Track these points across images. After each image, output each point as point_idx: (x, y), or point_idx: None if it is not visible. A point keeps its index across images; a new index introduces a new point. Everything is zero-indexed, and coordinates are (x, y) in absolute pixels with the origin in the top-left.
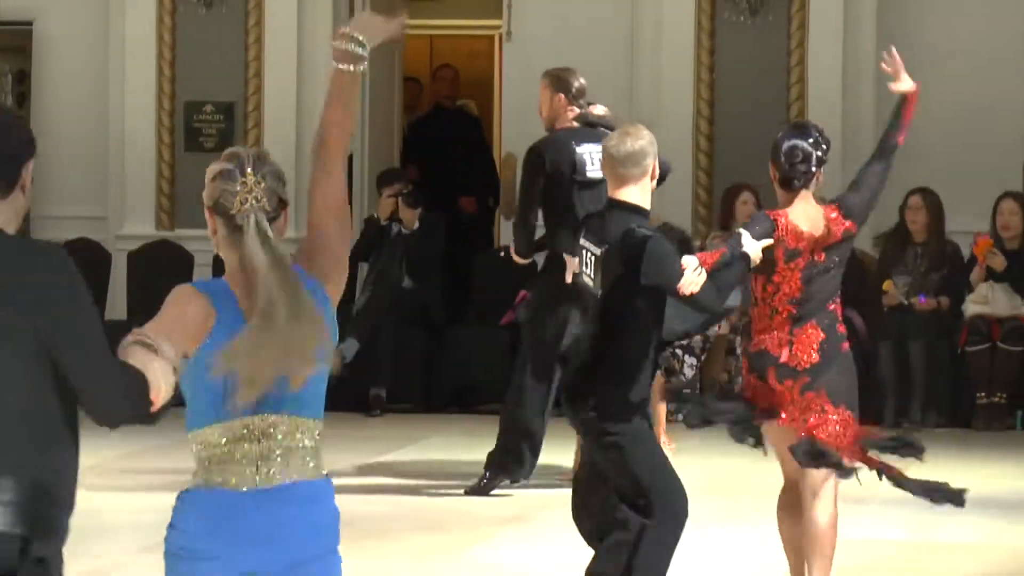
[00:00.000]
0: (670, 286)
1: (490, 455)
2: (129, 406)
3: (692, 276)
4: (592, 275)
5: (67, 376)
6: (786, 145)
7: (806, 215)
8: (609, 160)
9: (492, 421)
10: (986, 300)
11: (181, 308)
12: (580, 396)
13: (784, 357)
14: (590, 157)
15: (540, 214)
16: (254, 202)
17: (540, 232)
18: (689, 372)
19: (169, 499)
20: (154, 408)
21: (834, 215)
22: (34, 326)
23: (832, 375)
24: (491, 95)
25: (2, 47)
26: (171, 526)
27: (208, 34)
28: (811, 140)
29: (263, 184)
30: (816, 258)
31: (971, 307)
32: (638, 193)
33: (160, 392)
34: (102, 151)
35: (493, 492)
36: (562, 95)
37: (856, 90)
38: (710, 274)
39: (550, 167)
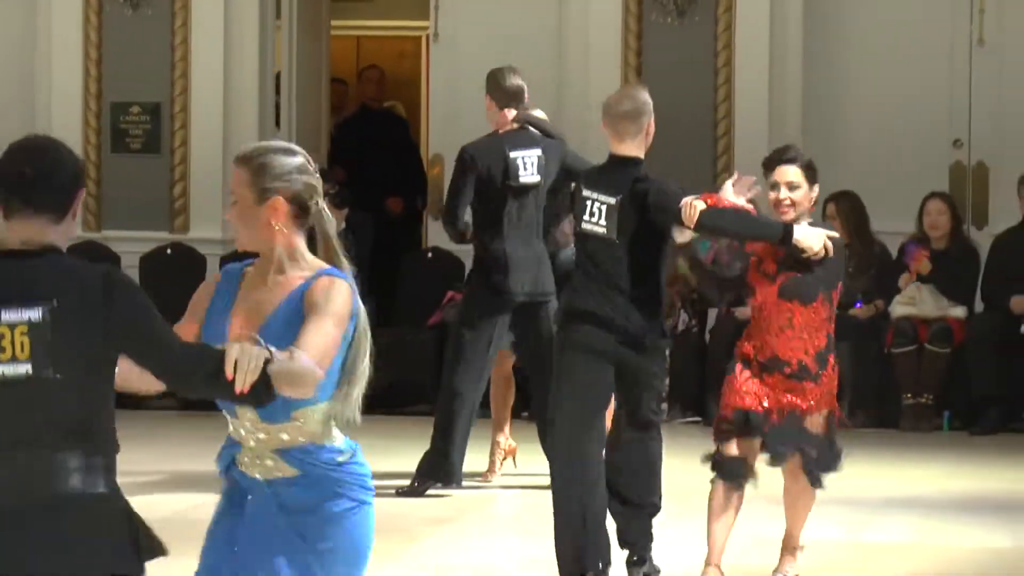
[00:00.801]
0: (677, 215)
1: (424, 457)
2: (203, 379)
3: (690, 199)
4: (606, 223)
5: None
6: None
7: None
8: (610, 117)
9: (419, 423)
10: (913, 301)
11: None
12: (614, 325)
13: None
14: (523, 162)
15: (470, 214)
16: (320, 190)
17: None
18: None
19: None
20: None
21: None
22: (119, 351)
23: None
24: (418, 96)
25: None
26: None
27: (135, 34)
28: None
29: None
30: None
31: (898, 308)
32: (636, 148)
33: (231, 363)
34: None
35: (426, 494)
36: (489, 97)
37: (783, 89)
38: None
39: (482, 170)
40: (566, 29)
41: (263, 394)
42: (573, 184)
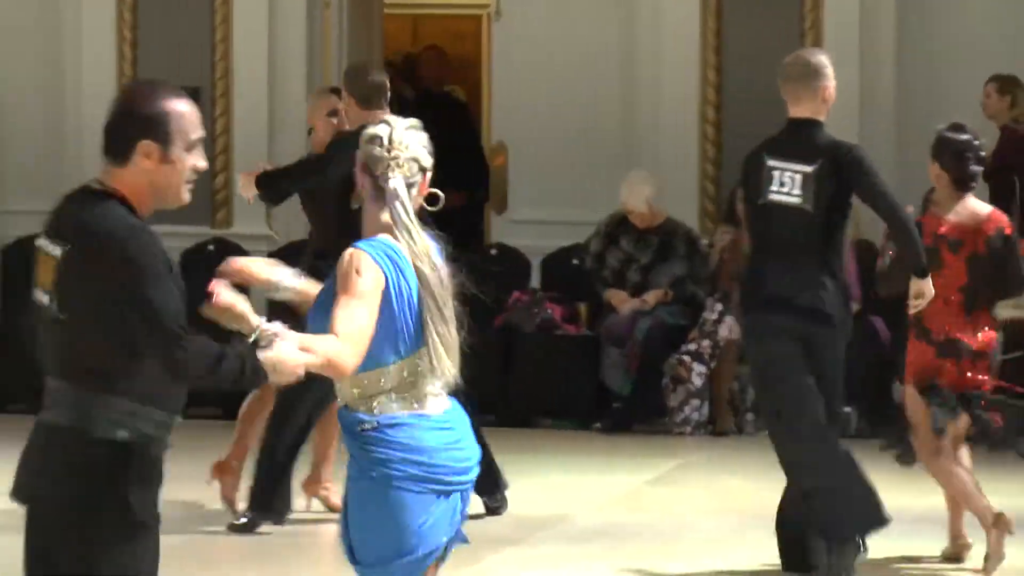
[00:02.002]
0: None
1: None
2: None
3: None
4: (801, 192)
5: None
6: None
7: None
8: (784, 79)
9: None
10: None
11: None
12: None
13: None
14: None
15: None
16: (396, 167)
17: None
18: (698, 380)
19: None
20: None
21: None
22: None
23: None
24: (478, 80)
25: None
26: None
27: (172, 13)
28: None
29: (405, 152)
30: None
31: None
32: (812, 110)
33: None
34: (57, 142)
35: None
36: (351, 97)
37: (874, 70)
38: None
39: (335, 172)
40: (636, 4)
41: (249, 382)
42: (746, 161)
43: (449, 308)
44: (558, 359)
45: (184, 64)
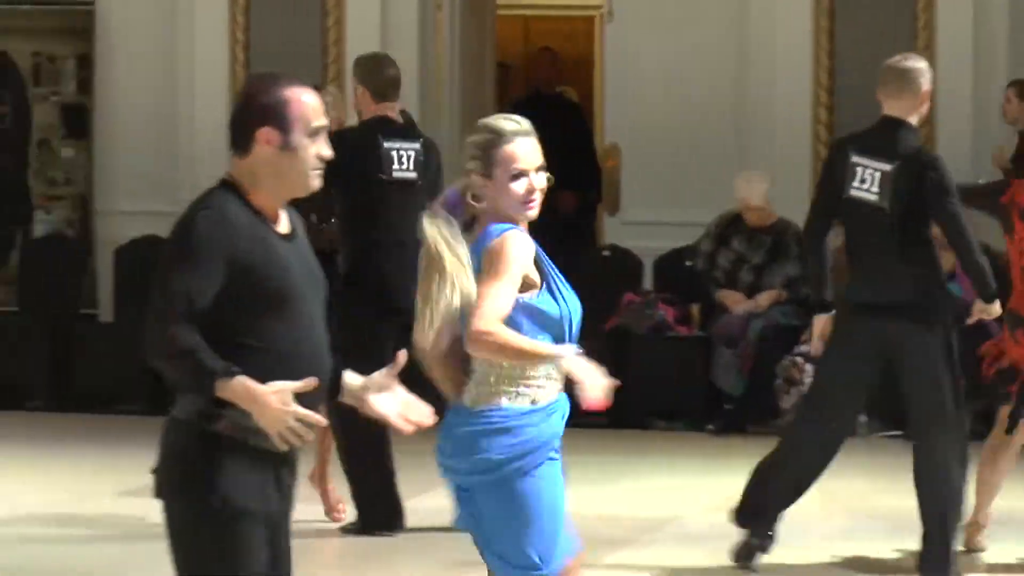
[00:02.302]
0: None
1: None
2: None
3: None
4: (879, 190)
5: None
6: None
7: None
8: (882, 75)
9: (596, 436)
10: None
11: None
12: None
13: None
14: (398, 155)
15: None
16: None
17: None
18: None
19: None
20: None
21: None
22: None
23: None
24: (590, 81)
25: (63, 30)
26: None
27: (284, 15)
28: None
29: None
30: None
31: None
32: (904, 110)
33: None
34: (170, 142)
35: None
36: (366, 89)
37: (988, 68)
38: None
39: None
40: (749, 4)
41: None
42: (834, 149)
43: None
44: (670, 361)
45: (296, 67)
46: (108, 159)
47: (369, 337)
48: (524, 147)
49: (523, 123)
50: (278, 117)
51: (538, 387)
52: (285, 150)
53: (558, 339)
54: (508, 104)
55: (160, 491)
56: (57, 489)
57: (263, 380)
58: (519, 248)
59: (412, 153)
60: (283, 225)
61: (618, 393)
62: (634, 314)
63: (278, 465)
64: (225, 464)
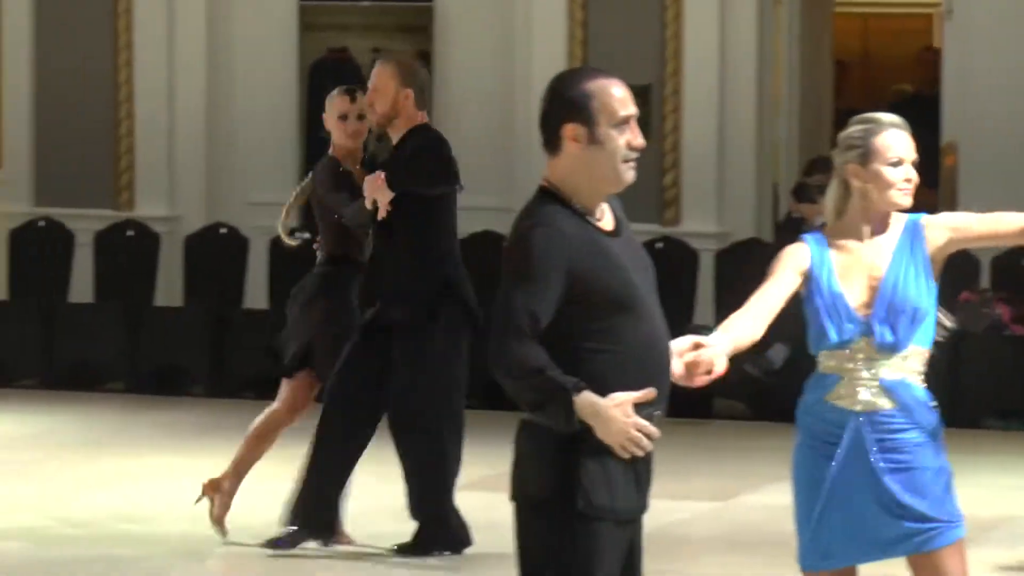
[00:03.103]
0: None
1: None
2: None
3: None
4: None
5: None
6: None
7: None
8: None
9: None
10: None
11: None
12: None
13: None
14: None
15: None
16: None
17: None
18: None
19: None
20: None
21: None
22: None
23: None
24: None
25: (402, 27)
26: None
27: (623, 12)
28: None
29: None
30: None
31: None
32: None
33: None
34: (508, 137)
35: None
36: (411, 92)
37: None
38: None
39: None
40: None
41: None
42: None
43: None
44: (1006, 360)
45: (634, 62)
46: None
47: (462, 346)
48: (900, 138)
49: (897, 118)
50: (582, 111)
51: None
52: (592, 144)
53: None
54: (886, 104)
55: (516, 493)
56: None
57: (616, 379)
58: None
59: None
60: (607, 221)
61: (953, 392)
62: (970, 313)
63: (636, 464)
64: (587, 465)
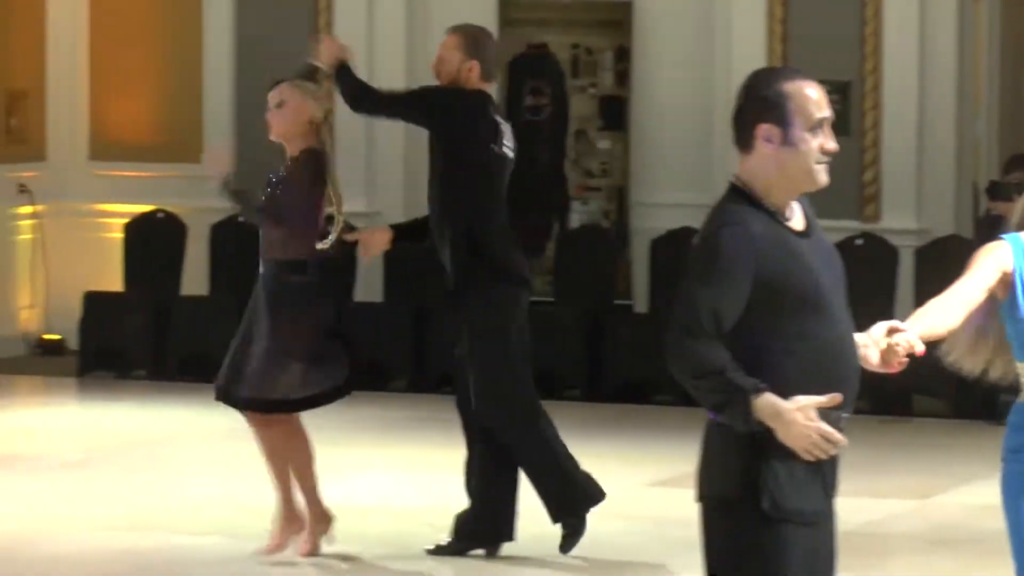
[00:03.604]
0: None
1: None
2: None
3: None
4: None
5: None
6: None
7: None
8: None
9: None
10: None
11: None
12: None
13: None
14: (506, 129)
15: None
16: None
17: None
18: None
19: None
20: None
21: None
22: None
23: None
24: None
25: (601, 22)
26: None
27: (823, 8)
28: None
29: None
30: None
31: None
32: None
33: None
34: (706, 134)
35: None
36: (476, 64)
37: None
38: None
39: (464, 122)
40: None
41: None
42: None
43: None
44: None
45: (834, 58)
46: (644, 151)
47: (516, 312)
48: None
49: None
50: (777, 112)
51: None
52: (785, 146)
53: None
54: None
55: (703, 493)
56: None
57: (801, 382)
58: None
59: (510, 132)
60: (797, 220)
61: None
62: None
63: (823, 465)
64: (772, 466)
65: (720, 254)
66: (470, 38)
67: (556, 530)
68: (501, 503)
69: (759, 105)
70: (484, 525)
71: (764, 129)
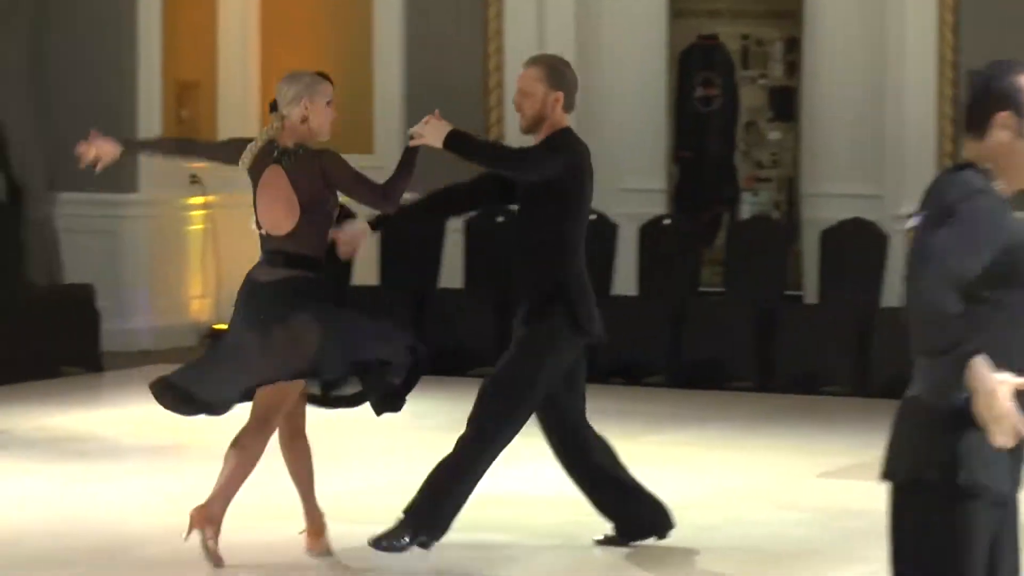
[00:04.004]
0: None
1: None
2: None
3: None
4: None
5: None
6: None
7: None
8: None
9: None
10: None
11: None
12: None
13: None
14: None
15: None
16: None
17: None
18: None
19: None
20: None
21: None
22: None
23: None
24: None
25: (772, 13)
26: None
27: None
28: None
29: None
30: None
31: None
32: None
33: None
34: (877, 125)
35: None
36: (561, 95)
37: None
38: None
39: (579, 167)
40: None
41: None
42: None
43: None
44: None
45: (1008, 50)
46: (815, 141)
47: (567, 356)
48: None
49: None
50: (1016, 103)
51: None
52: (1021, 137)
53: None
54: None
55: (891, 471)
56: (759, 469)
57: (1006, 356)
58: None
59: None
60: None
61: None
62: None
63: (1014, 450)
64: (968, 441)
65: (980, 216)
66: (553, 69)
67: (720, 520)
68: (645, 493)
69: (999, 94)
70: (648, 513)
71: (1004, 117)
